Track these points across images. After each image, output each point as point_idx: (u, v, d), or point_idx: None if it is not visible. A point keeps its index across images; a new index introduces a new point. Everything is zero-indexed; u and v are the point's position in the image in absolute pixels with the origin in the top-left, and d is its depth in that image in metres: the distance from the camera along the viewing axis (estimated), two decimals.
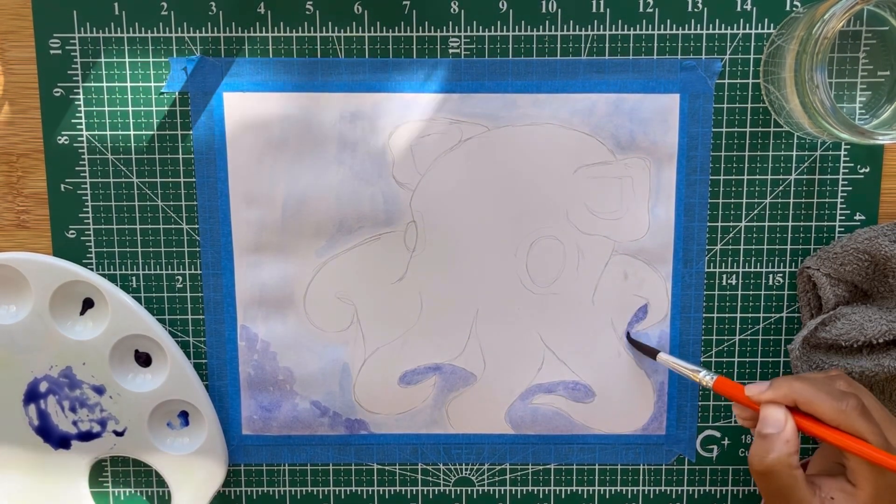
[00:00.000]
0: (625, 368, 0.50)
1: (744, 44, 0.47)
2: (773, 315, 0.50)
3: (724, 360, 0.50)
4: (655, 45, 0.47)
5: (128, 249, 0.49)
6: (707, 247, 0.49)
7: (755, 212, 0.49)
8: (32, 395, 0.50)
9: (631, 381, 0.50)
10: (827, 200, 0.49)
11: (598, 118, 0.47)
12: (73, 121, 0.48)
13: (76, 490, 0.51)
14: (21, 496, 0.51)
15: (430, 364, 0.50)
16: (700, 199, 0.49)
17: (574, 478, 0.52)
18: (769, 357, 0.50)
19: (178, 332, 0.50)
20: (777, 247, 0.49)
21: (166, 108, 0.48)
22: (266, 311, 0.50)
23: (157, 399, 0.50)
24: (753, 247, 0.49)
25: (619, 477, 0.52)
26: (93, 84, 0.48)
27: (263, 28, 0.47)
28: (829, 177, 0.48)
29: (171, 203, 0.49)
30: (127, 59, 0.47)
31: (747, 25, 0.47)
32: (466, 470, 0.52)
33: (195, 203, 0.49)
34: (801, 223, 0.49)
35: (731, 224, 0.49)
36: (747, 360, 0.50)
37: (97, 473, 0.52)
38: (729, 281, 0.50)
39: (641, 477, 0.52)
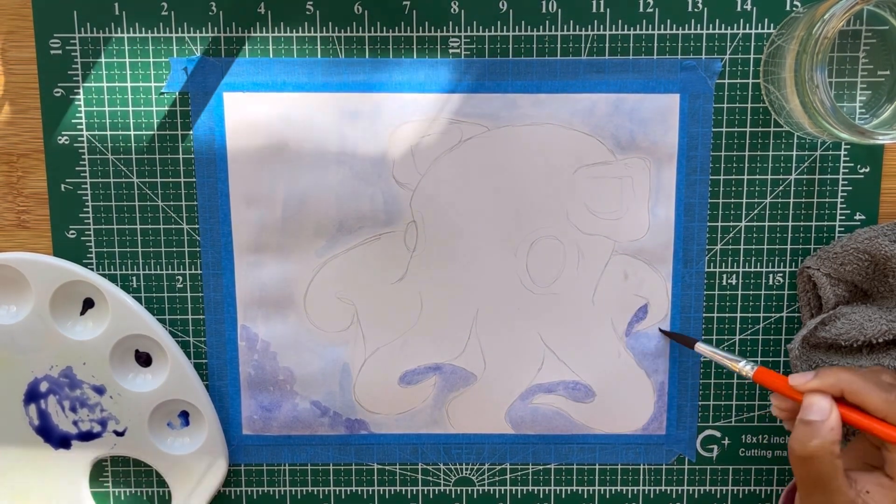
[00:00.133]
0: (625, 368, 0.50)
1: (744, 44, 0.47)
2: (773, 315, 0.50)
3: None
4: (655, 45, 0.47)
5: (128, 249, 0.49)
6: (707, 247, 0.49)
7: (755, 212, 0.49)
8: (33, 395, 0.50)
9: (631, 381, 0.50)
10: (827, 200, 0.49)
11: (598, 118, 0.47)
12: (73, 121, 0.48)
13: (76, 490, 0.51)
14: (21, 496, 0.51)
15: (430, 364, 0.50)
16: (700, 199, 0.49)
17: (574, 478, 0.52)
18: (769, 357, 0.50)
19: (179, 332, 0.50)
20: (777, 247, 0.49)
21: (166, 108, 0.48)
22: (266, 311, 0.50)
23: (157, 399, 0.50)
24: (753, 247, 0.49)
25: (619, 477, 0.52)
26: (93, 84, 0.48)
27: (263, 28, 0.47)
28: (829, 177, 0.48)
29: (172, 203, 0.49)
30: (127, 59, 0.47)
31: (747, 25, 0.47)
32: (467, 470, 0.52)
33: (195, 203, 0.49)
34: (801, 223, 0.49)
35: (731, 224, 0.49)
36: (747, 359, 0.50)
37: (97, 473, 0.52)
38: (729, 281, 0.50)
39: (641, 477, 0.52)
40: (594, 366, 0.50)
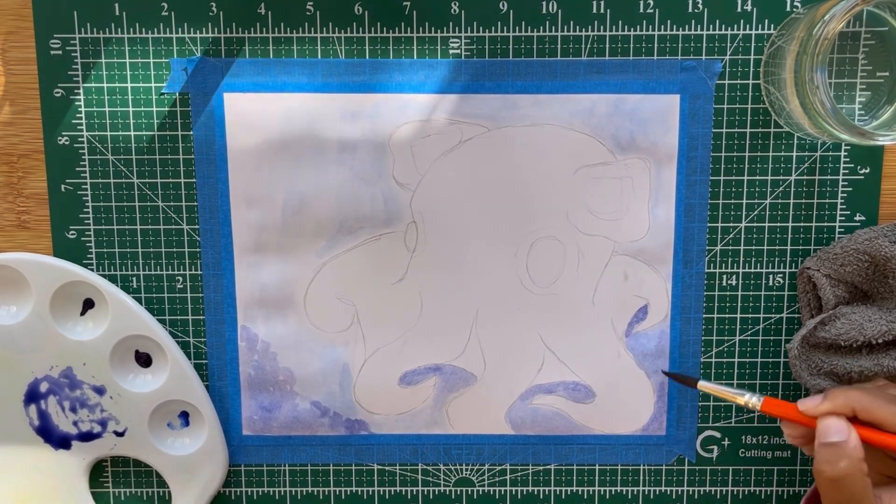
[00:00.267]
0: (625, 369, 0.50)
1: (744, 44, 0.47)
2: (773, 316, 0.50)
3: (724, 360, 0.50)
4: (655, 45, 0.47)
5: (128, 250, 0.49)
6: (707, 247, 0.49)
7: (755, 212, 0.49)
8: (33, 396, 0.50)
9: (631, 381, 0.50)
10: (827, 201, 0.49)
11: (598, 119, 0.47)
12: (73, 121, 0.48)
13: (76, 490, 0.51)
14: (21, 496, 0.51)
15: (430, 364, 0.50)
16: (700, 200, 0.49)
17: (574, 478, 0.52)
18: (769, 357, 0.50)
19: (179, 332, 0.50)
20: (777, 247, 0.49)
21: (167, 109, 0.48)
22: (266, 311, 0.50)
23: (157, 399, 0.50)
24: (753, 247, 0.49)
25: (619, 477, 0.52)
26: (93, 84, 0.48)
27: (263, 28, 0.47)
28: (829, 177, 0.48)
29: (172, 203, 0.49)
30: (127, 60, 0.47)
31: (747, 26, 0.47)
32: (467, 470, 0.52)
33: (195, 203, 0.49)
34: (801, 224, 0.49)
35: (732, 224, 0.49)
36: (747, 360, 0.50)
37: (97, 474, 0.52)
38: (729, 281, 0.50)
39: (641, 477, 0.52)
40: (594, 366, 0.50)
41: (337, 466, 0.52)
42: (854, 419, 0.41)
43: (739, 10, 0.47)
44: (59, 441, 0.51)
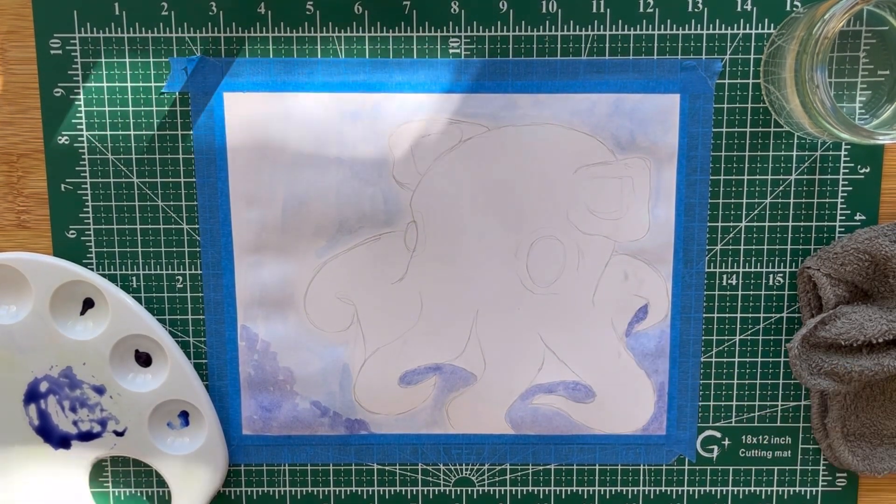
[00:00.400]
0: (625, 369, 0.50)
1: (744, 44, 0.47)
2: (773, 315, 0.50)
3: (725, 360, 0.50)
4: (655, 45, 0.47)
5: (128, 249, 0.49)
6: (707, 247, 0.49)
7: (755, 212, 0.49)
8: (33, 395, 0.50)
9: (631, 381, 0.50)
10: (827, 200, 0.49)
11: (598, 118, 0.47)
12: (73, 121, 0.48)
13: (76, 490, 0.51)
14: (21, 496, 0.51)
15: (430, 364, 0.50)
16: (700, 199, 0.49)
17: (574, 478, 0.52)
18: (769, 357, 0.50)
19: (179, 332, 0.50)
20: (777, 247, 0.49)
21: (166, 109, 0.48)
22: (266, 311, 0.50)
23: (157, 399, 0.50)
24: (754, 247, 0.49)
25: (619, 477, 0.52)
26: (93, 84, 0.48)
27: (263, 28, 0.47)
28: (829, 177, 0.48)
29: (172, 203, 0.49)
30: (127, 59, 0.47)
31: (747, 25, 0.47)
32: (466, 470, 0.52)
33: (195, 203, 0.49)
34: (802, 223, 0.49)
35: (732, 224, 0.49)
36: (747, 360, 0.50)
37: (97, 473, 0.52)
38: (729, 281, 0.50)
39: (642, 477, 0.52)
40: (594, 366, 0.50)
41: (337, 466, 0.52)
42: None
43: (739, 9, 0.47)
44: (59, 441, 0.51)
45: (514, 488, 0.52)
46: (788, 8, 0.46)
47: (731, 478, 0.52)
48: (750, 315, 0.50)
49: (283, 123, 0.47)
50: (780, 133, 0.48)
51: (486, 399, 0.51)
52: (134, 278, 0.50)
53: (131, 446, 0.51)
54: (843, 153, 0.48)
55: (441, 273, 0.49)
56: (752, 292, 0.50)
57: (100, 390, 0.50)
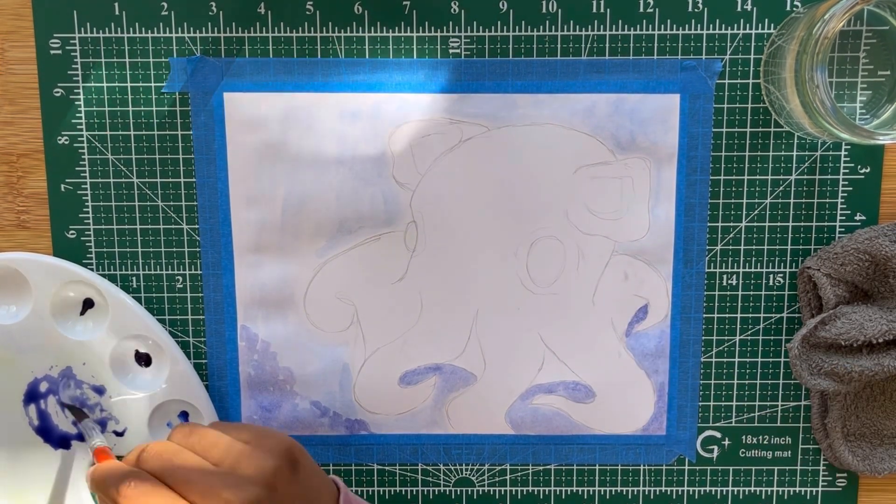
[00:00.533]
0: (625, 368, 0.50)
1: (744, 44, 0.47)
2: (773, 315, 0.50)
3: (724, 360, 0.50)
4: (655, 45, 0.47)
5: (128, 249, 0.49)
6: (707, 247, 0.49)
7: (755, 212, 0.49)
8: (32, 396, 0.50)
9: (631, 381, 0.50)
10: (827, 200, 0.49)
11: (598, 118, 0.47)
12: (73, 121, 0.48)
13: (76, 490, 0.51)
14: (21, 496, 0.51)
15: (430, 364, 0.50)
16: (700, 199, 0.48)
17: (574, 478, 0.52)
18: (769, 357, 0.50)
19: (179, 332, 0.50)
20: (777, 247, 0.49)
21: (166, 108, 0.48)
22: (266, 311, 0.50)
23: (157, 399, 0.50)
24: (754, 247, 0.49)
25: (619, 477, 0.52)
26: (93, 84, 0.48)
27: (263, 28, 0.47)
28: (829, 177, 0.48)
29: (172, 203, 0.49)
30: (127, 59, 0.47)
31: (747, 25, 0.47)
32: (466, 470, 0.52)
33: (195, 203, 0.49)
34: (802, 223, 0.49)
35: (732, 224, 0.49)
36: (747, 360, 0.50)
37: None
38: (729, 281, 0.50)
39: (642, 477, 0.52)
40: (594, 366, 0.50)
41: (337, 466, 0.52)
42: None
43: (739, 9, 0.47)
44: (59, 441, 0.51)
45: (514, 488, 0.52)
46: (788, 8, 0.46)
47: (731, 478, 0.52)
48: (750, 315, 0.50)
49: (283, 123, 0.47)
50: (780, 133, 0.48)
51: (486, 399, 0.51)
52: (134, 278, 0.50)
53: (131, 447, 0.50)
54: (843, 153, 0.48)
55: (441, 273, 0.49)
56: (752, 292, 0.50)
57: (100, 390, 0.50)
